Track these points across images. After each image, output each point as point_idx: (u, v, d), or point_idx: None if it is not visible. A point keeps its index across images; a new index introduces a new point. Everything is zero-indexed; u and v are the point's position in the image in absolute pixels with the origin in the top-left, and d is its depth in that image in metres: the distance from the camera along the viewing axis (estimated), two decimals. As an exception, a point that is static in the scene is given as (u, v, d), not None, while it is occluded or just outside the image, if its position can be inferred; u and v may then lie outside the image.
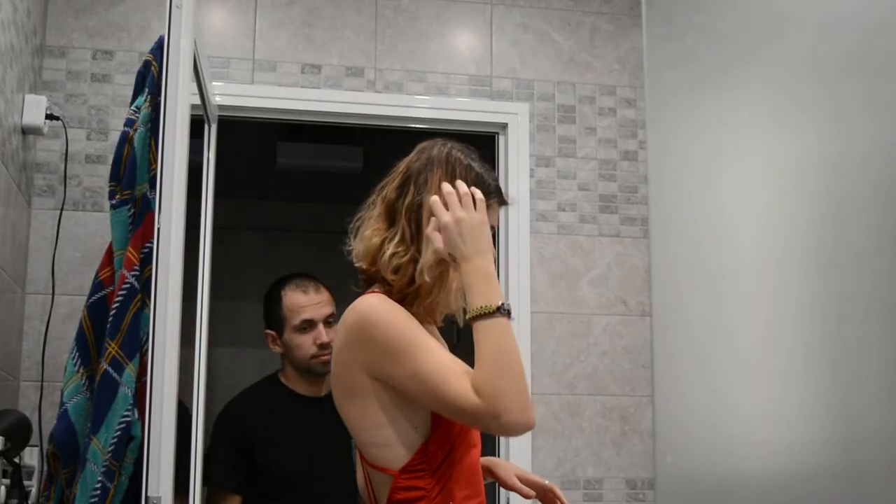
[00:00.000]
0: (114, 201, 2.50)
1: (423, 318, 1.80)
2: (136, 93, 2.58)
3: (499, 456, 3.19)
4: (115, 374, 2.37)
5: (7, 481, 2.34)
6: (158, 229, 2.23)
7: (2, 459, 2.32)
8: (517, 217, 3.36)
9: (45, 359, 2.87)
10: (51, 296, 2.92)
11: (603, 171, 3.47)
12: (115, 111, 3.13)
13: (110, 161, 2.64)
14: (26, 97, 2.87)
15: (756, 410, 1.36)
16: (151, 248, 2.32)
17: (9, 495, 2.32)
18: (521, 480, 2.05)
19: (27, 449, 2.50)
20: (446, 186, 1.75)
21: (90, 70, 3.16)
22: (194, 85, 2.62)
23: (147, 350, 2.26)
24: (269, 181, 4.98)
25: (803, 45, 1.33)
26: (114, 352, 2.38)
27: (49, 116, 2.92)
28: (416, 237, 1.76)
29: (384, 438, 1.73)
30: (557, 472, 3.25)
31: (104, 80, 3.17)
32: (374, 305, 1.73)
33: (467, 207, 1.72)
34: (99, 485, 2.31)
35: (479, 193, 1.74)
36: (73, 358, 2.46)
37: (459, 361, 1.69)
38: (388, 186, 1.82)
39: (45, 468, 2.50)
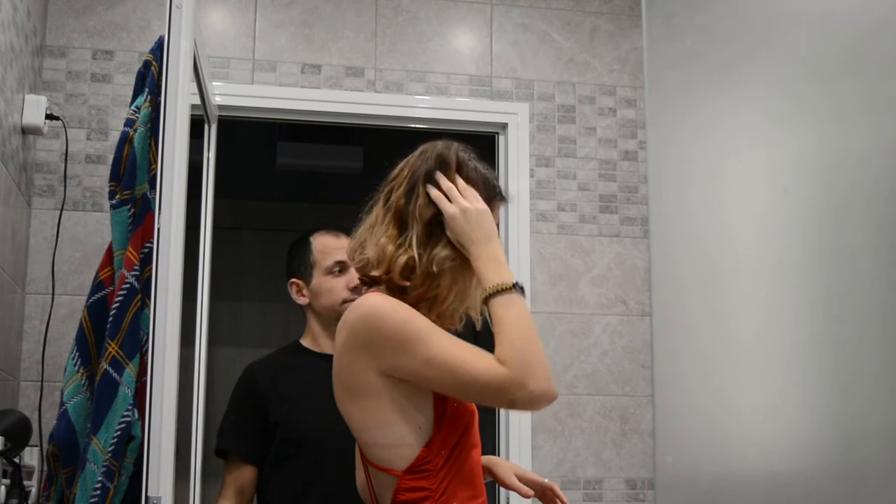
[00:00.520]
0: (114, 201, 2.50)
1: (440, 325, 1.79)
2: (136, 93, 2.58)
3: (498, 455, 3.19)
4: (115, 374, 2.37)
5: (7, 481, 2.34)
6: (158, 229, 2.23)
7: (2, 459, 2.32)
8: (517, 217, 3.36)
9: (45, 359, 2.87)
10: (51, 296, 2.92)
11: (603, 171, 3.47)
12: (115, 111, 3.13)
13: (110, 161, 2.65)
14: (26, 97, 2.87)
15: (756, 410, 1.36)
16: (151, 248, 2.32)
17: (9, 495, 2.32)
18: (521, 479, 2.04)
19: (27, 449, 2.50)
20: (444, 181, 1.77)
21: (90, 70, 3.17)
22: (194, 85, 2.62)
23: (147, 350, 2.26)
24: (269, 181, 4.98)
25: (803, 45, 1.33)
26: (114, 352, 2.38)
27: (49, 116, 2.92)
28: (430, 240, 1.76)
29: (388, 439, 1.73)
30: (557, 472, 3.25)
31: (104, 80, 3.17)
32: (376, 302, 1.73)
33: (469, 198, 1.76)
34: (99, 485, 2.31)
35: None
36: (73, 358, 2.46)
37: (471, 345, 1.69)
38: (396, 192, 1.82)
39: (45, 468, 2.50)
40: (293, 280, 2.77)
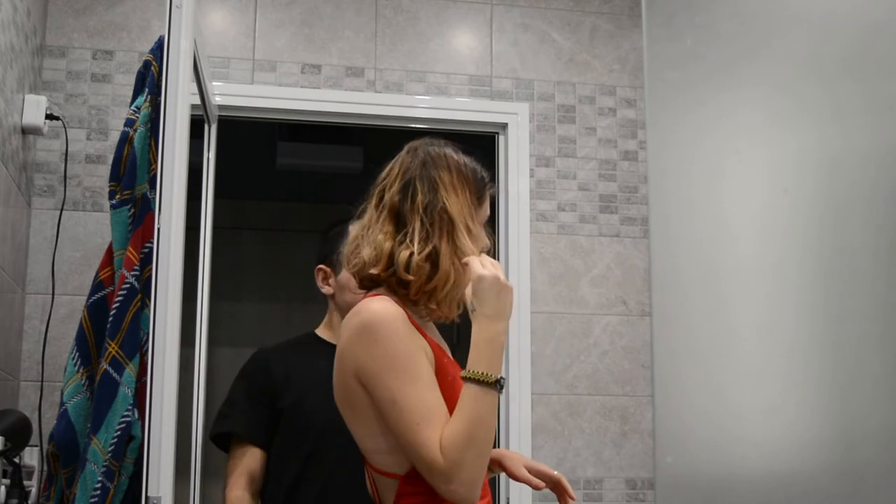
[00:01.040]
0: (114, 201, 2.50)
1: (438, 315, 1.81)
2: (136, 93, 2.58)
3: (499, 455, 3.18)
4: (115, 374, 2.37)
5: (7, 481, 2.34)
6: (158, 229, 2.23)
7: (2, 459, 2.32)
8: (517, 217, 3.36)
9: (45, 359, 2.87)
10: (51, 296, 2.92)
11: (603, 171, 3.47)
12: (115, 111, 3.13)
13: (110, 161, 2.65)
14: (26, 97, 2.87)
15: (756, 410, 1.36)
16: (151, 249, 2.32)
17: (9, 495, 2.32)
18: (530, 471, 1.99)
19: (27, 449, 2.50)
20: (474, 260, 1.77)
21: (90, 70, 3.17)
22: (194, 85, 2.62)
23: (147, 350, 2.26)
24: (269, 181, 4.99)
25: (803, 45, 1.32)
26: (114, 352, 2.38)
27: (49, 116, 2.92)
28: (431, 233, 1.77)
29: (386, 445, 1.73)
30: (557, 471, 3.25)
31: (104, 80, 3.17)
32: (378, 313, 1.72)
33: (499, 270, 1.76)
34: (99, 485, 2.31)
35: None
36: (73, 358, 2.46)
37: (442, 403, 1.69)
38: (389, 191, 1.82)
39: (45, 468, 2.50)
40: (322, 266, 2.65)
